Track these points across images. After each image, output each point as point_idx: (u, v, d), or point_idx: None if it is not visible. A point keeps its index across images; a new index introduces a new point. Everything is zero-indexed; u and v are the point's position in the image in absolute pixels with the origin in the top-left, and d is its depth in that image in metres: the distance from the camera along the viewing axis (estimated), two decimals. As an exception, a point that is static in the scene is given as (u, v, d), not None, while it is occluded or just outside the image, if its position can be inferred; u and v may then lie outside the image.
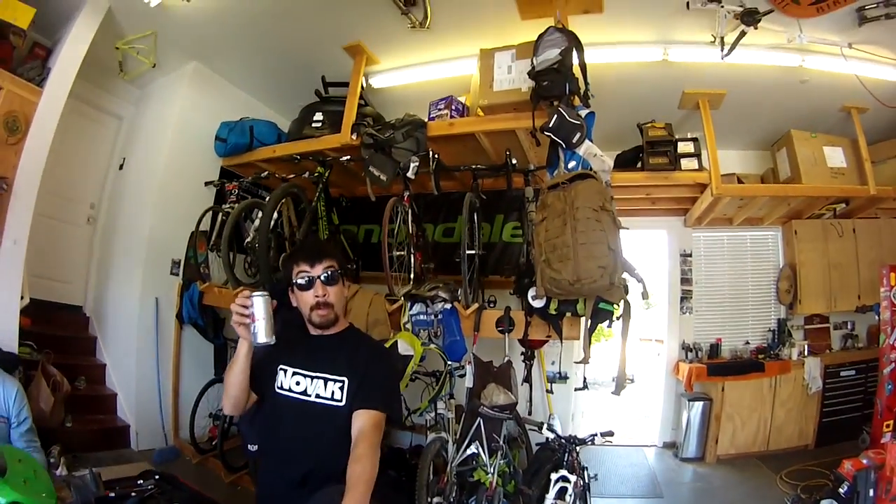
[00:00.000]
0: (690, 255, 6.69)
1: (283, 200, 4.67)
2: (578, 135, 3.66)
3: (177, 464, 4.99)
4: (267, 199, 4.80)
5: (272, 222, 4.46)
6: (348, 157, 4.70)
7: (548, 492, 3.70)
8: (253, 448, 2.67)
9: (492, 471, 3.91)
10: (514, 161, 4.35)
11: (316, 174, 4.89)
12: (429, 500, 3.66)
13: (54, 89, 4.09)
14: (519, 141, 4.37)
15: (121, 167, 5.99)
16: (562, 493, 3.71)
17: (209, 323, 5.50)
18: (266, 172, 5.45)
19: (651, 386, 8.00)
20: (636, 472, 5.94)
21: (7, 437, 2.70)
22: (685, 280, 6.68)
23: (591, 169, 3.63)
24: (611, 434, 4.09)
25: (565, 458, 3.97)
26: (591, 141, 3.78)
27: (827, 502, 3.77)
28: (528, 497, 4.02)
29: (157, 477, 2.81)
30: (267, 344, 2.14)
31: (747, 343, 6.53)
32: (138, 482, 2.73)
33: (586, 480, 4.10)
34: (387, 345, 3.81)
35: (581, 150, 3.72)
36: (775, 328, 6.54)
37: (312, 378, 2.34)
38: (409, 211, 4.54)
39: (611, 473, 5.73)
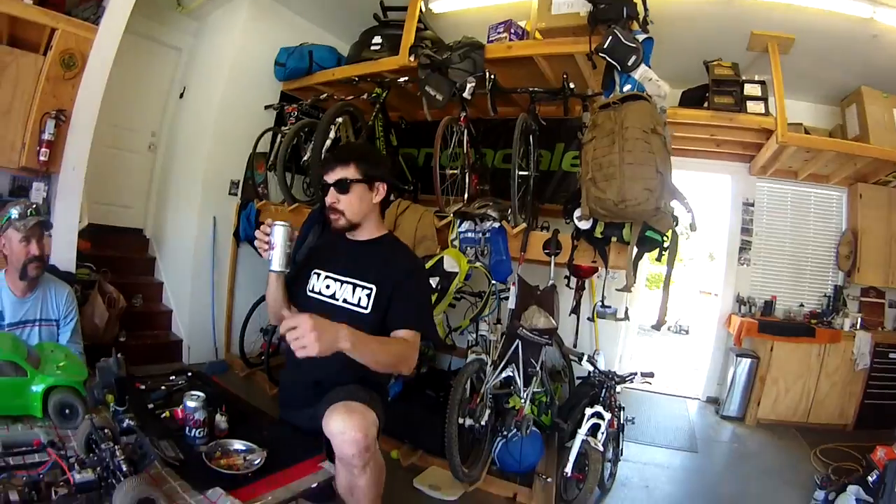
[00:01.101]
0: (753, 205, 6.65)
1: (341, 120, 4.86)
2: (634, 58, 3.74)
3: (225, 376, 5.34)
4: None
5: (329, 142, 4.67)
6: (406, 78, 4.86)
7: (581, 427, 3.78)
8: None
9: (525, 396, 4.07)
10: (571, 85, 4.34)
11: (374, 94, 5.12)
12: (460, 420, 3.84)
13: (109, 26, 4.32)
14: (578, 67, 4.46)
15: (181, 96, 6.39)
16: (595, 430, 3.79)
17: (265, 241, 5.87)
18: (325, 95, 5.65)
19: (703, 339, 8.05)
20: (675, 424, 6.06)
21: (56, 338, 2.93)
22: (745, 230, 6.66)
23: (645, 93, 3.67)
24: (651, 375, 4.15)
25: (602, 394, 4.09)
26: (649, 67, 3.85)
27: (854, 488, 3.79)
28: (562, 430, 4.23)
29: (189, 374, 2.89)
30: (280, 272, 2.28)
31: (802, 305, 6.51)
32: (170, 377, 2.81)
33: (622, 421, 4.28)
34: (433, 261, 3.97)
35: (637, 74, 3.80)
36: (831, 294, 6.49)
37: (342, 283, 2.45)
38: (465, 132, 4.68)
39: (650, 420, 5.88)
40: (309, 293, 2.49)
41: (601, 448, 3.72)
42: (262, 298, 5.49)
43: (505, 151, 5.65)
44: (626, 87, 3.84)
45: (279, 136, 5.78)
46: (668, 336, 11.66)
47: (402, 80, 4.93)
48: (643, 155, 3.36)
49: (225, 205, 5.99)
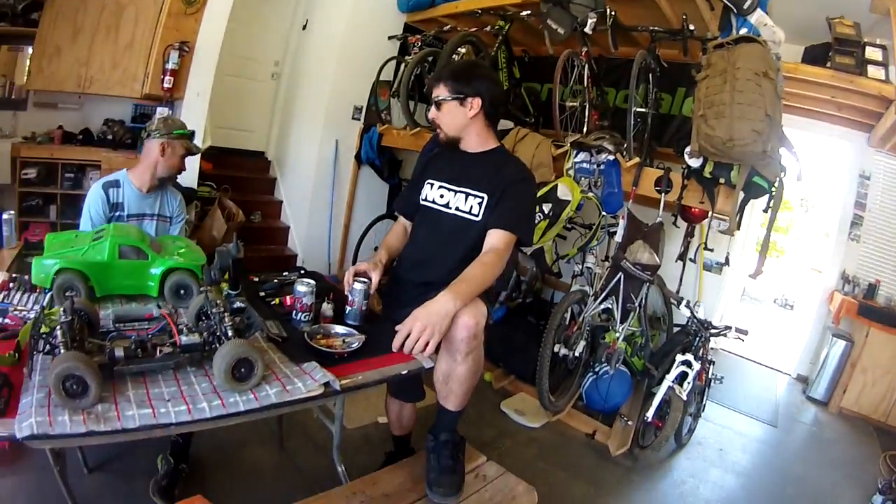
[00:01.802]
0: (869, 178, 6.58)
1: (463, 50, 5.20)
2: (749, 1, 4.09)
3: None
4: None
5: (452, 70, 5.16)
6: (528, 11, 5.12)
7: (669, 373, 4.01)
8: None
9: (620, 331, 4.43)
10: (691, 27, 4.49)
11: (497, 27, 5.45)
12: (555, 348, 4.18)
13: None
14: (697, 8, 4.65)
15: (304, 27, 6.98)
16: (682, 379, 3.99)
17: (385, 163, 6.52)
18: (448, 27, 6.04)
19: (806, 316, 8.16)
20: (761, 394, 6.34)
21: (167, 233, 3.40)
22: (859, 204, 6.62)
23: (760, 38, 3.91)
24: (745, 332, 4.32)
25: (695, 343, 4.32)
26: (766, 13, 4.19)
27: (911, 499, 3.86)
28: (651, 377, 4.52)
29: (301, 272, 3.08)
30: (352, 325, 2.41)
31: (902, 296, 6.40)
32: (283, 273, 2.98)
33: (709, 376, 4.55)
34: (547, 188, 4.25)
35: (753, 19, 4.14)
36: (935, 290, 6.36)
37: (455, 192, 2.64)
38: (586, 67, 4.94)
39: (737, 385, 6.13)
40: (422, 202, 2.74)
41: (685, 398, 3.97)
42: (379, 217, 6.21)
43: (626, 92, 5.46)
44: (742, 31, 4.12)
45: (402, 64, 6.19)
46: (772, 308, 11.97)
47: (524, 13, 5.22)
48: (753, 96, 3.57)
49: (347, 129, 6.61)
